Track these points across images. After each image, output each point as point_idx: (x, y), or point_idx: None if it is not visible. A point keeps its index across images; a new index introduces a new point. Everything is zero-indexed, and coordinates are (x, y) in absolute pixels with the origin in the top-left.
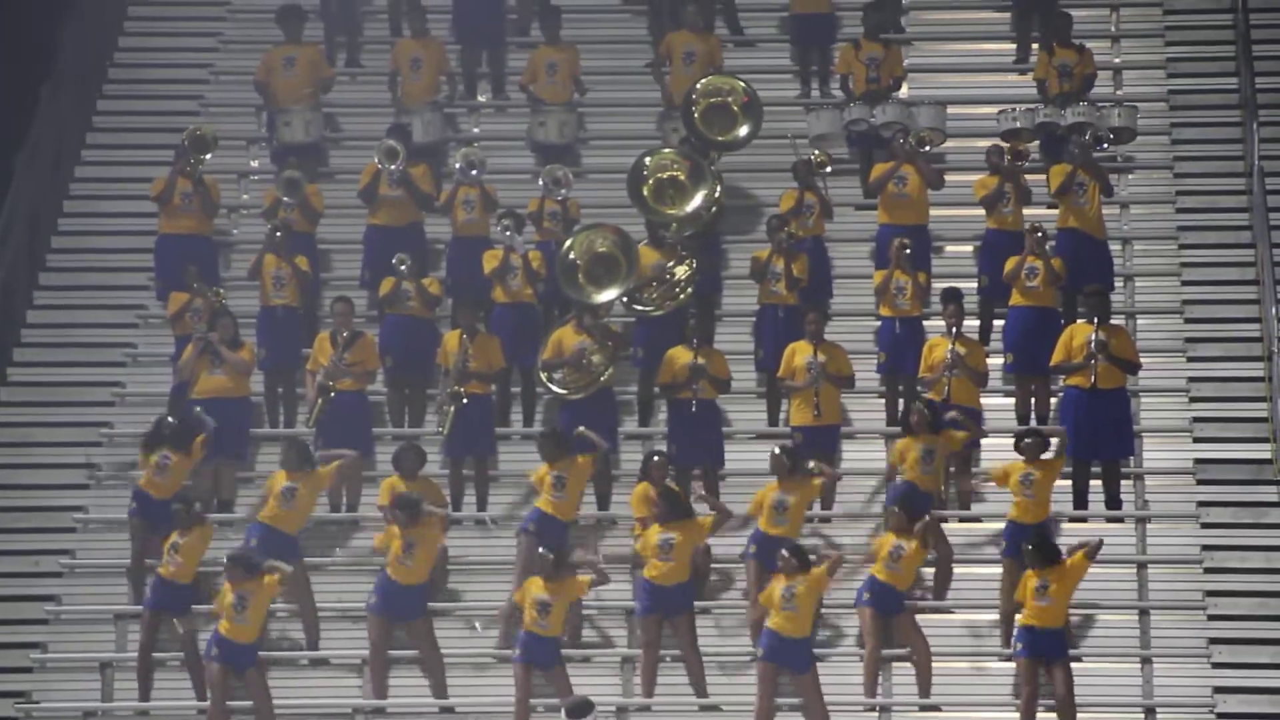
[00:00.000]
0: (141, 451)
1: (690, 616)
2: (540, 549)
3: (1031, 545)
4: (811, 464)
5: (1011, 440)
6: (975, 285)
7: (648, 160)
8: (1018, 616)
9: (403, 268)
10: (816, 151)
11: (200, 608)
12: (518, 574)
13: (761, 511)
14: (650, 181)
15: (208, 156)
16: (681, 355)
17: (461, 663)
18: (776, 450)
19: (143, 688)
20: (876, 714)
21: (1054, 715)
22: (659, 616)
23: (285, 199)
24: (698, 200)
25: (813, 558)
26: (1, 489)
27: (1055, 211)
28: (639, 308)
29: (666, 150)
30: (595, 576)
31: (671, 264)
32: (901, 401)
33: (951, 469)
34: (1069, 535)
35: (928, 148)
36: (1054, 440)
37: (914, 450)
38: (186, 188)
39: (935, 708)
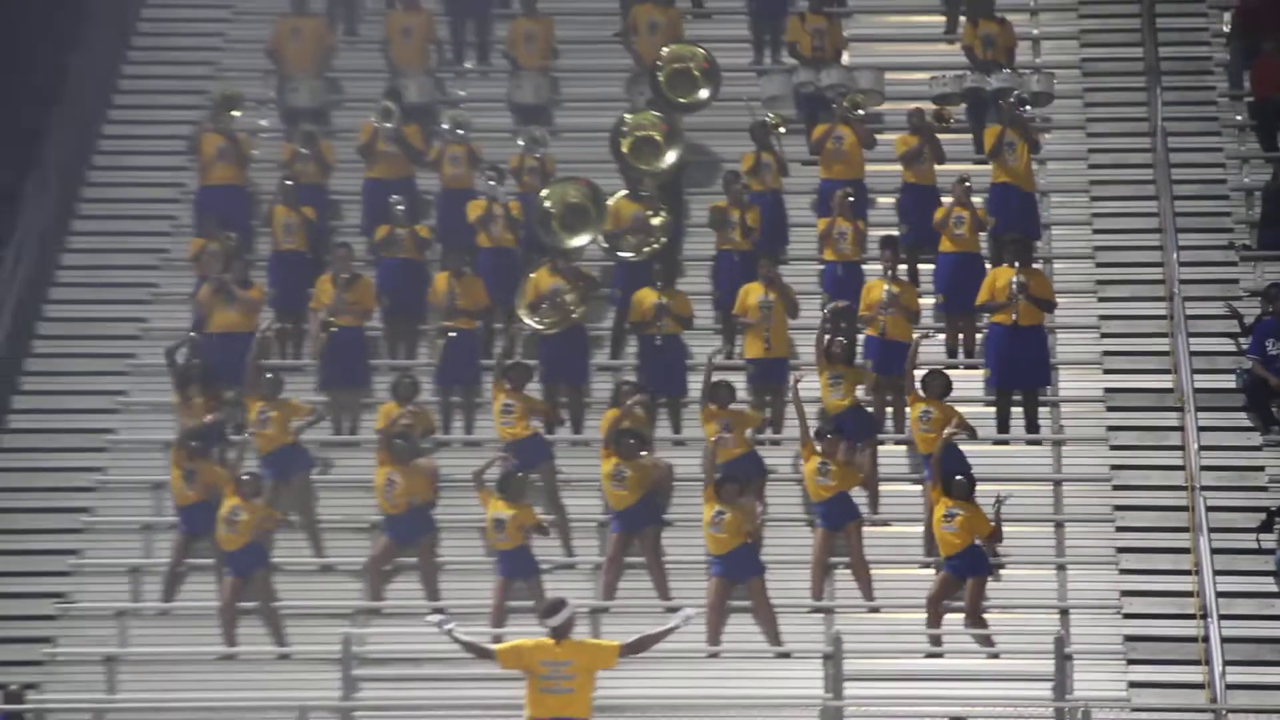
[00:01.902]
0: (174, 389)
1: (657, 529)
2: (516, 468)
3: (962, 477)
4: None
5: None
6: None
7: (628, 118)
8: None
9: (399, 208)
10: (771, 114)
11: None
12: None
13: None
14: (629, 138)
15: (236, 114)
16: (648, 295)
17: (454, 569)
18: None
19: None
20: (821, 617)
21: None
22: (627, 535)
23: (301, 150)
24: (671, 158)
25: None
26: (40, 412)
27: (982, 167)
28: (619, 254)
29: (648, 111)
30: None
31: (648, 214)
32: (843, 339)
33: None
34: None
35: (861, 110)
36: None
37: (825, 375)
38: (221, 143)
39: (875, 609)
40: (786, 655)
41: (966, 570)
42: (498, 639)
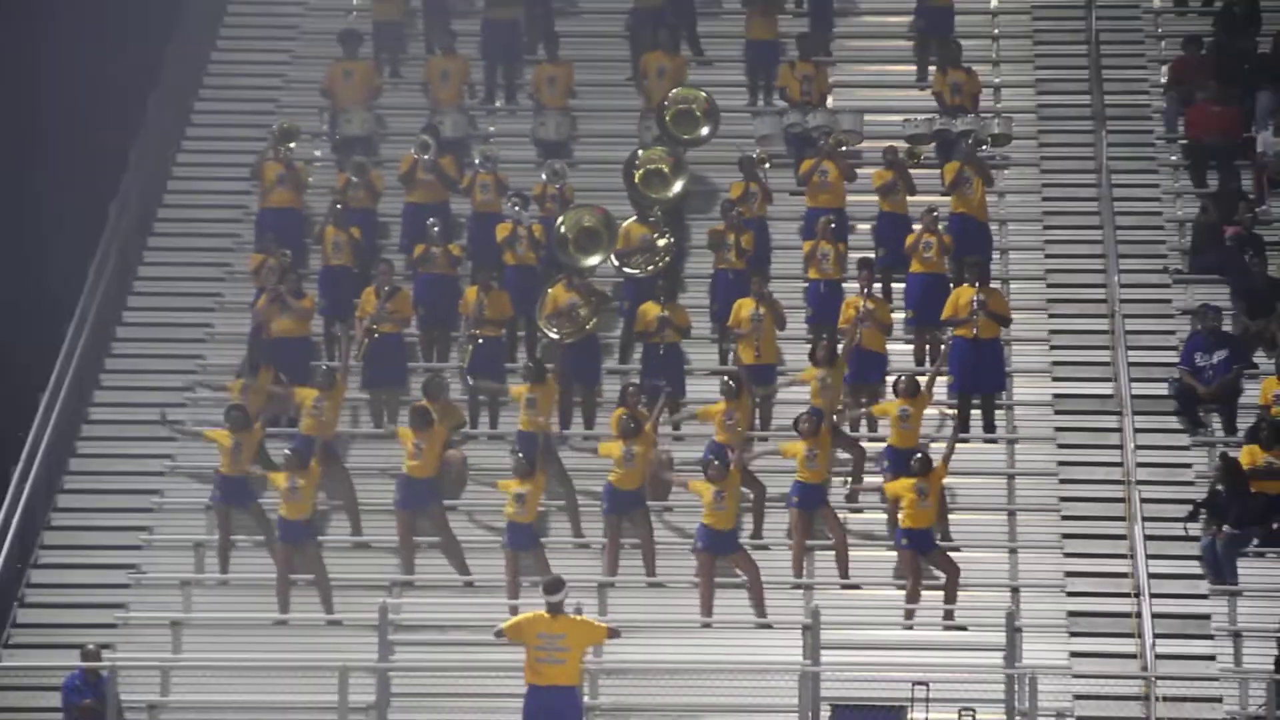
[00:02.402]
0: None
1: (645, 511)
2: (518, 453)
3: (921, 456)
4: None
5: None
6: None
7: (640, 153)
8: (899, 518)
9: (435, 229)
10: (759, 150)
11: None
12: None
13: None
14: (640, 170)
15: (293, 145)
16: (651, 309)
17: (479, 547)
18: (725, 378)
19: (223, 562)
20: (801, 593)
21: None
22: (618, 516)
23: (353, 179)
24: (678, 188)
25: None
26: (118, 405)
27: (948, 199)
28: (628, 270)
29: (656, 146)
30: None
31: (655, 236)
32: (825, 341)
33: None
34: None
35: (844, 148)
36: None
37: (813, 376)
38: (280, 170)
39: (855, 586)
40: (769, 626)
41: (925, 545)
42: (515, 610)
